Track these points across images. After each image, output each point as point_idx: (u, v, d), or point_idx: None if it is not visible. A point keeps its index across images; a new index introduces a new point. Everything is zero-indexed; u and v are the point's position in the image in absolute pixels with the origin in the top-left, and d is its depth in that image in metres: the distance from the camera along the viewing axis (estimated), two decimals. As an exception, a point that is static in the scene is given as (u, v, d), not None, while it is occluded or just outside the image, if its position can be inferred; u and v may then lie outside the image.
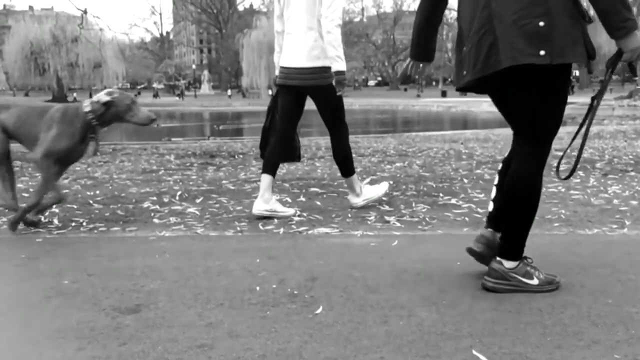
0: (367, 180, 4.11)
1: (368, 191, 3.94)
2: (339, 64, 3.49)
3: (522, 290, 2.22)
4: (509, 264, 2.23)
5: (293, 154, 3.98)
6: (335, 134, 3.86)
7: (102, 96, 3.26)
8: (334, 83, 3.54)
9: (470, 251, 2.42)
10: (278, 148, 3.82)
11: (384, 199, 4.10)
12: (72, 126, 3.25)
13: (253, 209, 3.66)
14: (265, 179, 3.70)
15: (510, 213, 2.25)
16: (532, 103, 2.11)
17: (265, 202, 3.64)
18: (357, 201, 3.89)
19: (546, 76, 2.05)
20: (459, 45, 2.22)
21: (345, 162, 3.86)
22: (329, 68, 3.53)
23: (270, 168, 3.76)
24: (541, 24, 1.98)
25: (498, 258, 2.25)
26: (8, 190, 3.48)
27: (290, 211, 3.72)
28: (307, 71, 3.59)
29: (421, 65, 2.48)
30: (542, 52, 1.98)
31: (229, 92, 57.77)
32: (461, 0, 2.21)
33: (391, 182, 4.88)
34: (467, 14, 2.15)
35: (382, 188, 3.99)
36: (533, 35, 1.99)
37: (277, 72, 3.82)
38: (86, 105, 3.28)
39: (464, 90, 2.29)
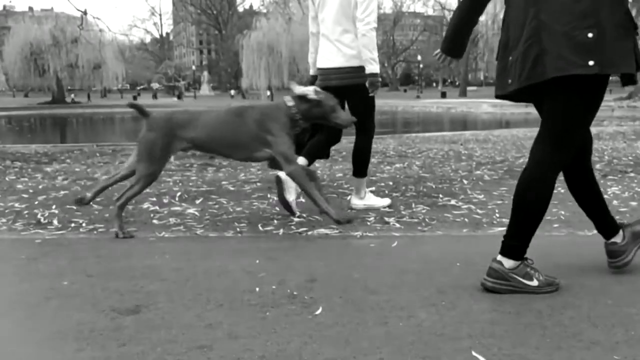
0: (371, 188, 4.11)
1: (371, 198, 3.96)
2: (372, 67, 3.62)
3: (521, 291, 2.22)
4: (509, 264, 2.23)
5: (325, 152, 4.14)
6: (362, 134, 3.93)
7: (306, 90, 3.19)
8: (367, 84, 3.66)
9: (615, 267, 2.46)
10: (318, 141, 3.98)
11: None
12: (283, 121, 3.20)
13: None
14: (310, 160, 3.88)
15: (518, 212, 2.25)
16: (569, 111, 2.17)
17: (360, 198, 3.93)
18: (358, 203, 3.90)
19: (589, 86, 2.11)
20: (503, 54, 2.26)
21: (362, 163, 3.92)
22: (364, 68, 3.65)
23: (319, 154, 4.00)
24: (590, 35, 2.02)
25: (498, 257, 2.26)
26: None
27: (385, 201, 3.94)
28: (345, 70, 3.71)
29: (448, 58, 2.54)
30: (591, 63, 2.02)
31: (232, 92, 57.59)
32: (508, 11, 2.26)
33: (390, 183, 4.88)
34: (514, 24, 2.19)
35: (384, 201, 3.99)
36: (582, 46, 2.03)
37: (311, 72, 3.99)
38: (289, 100, 3.22)
39: (504, 98, 2.34)
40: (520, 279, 2.23)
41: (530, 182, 2.23)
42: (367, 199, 3.93)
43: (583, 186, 2.45)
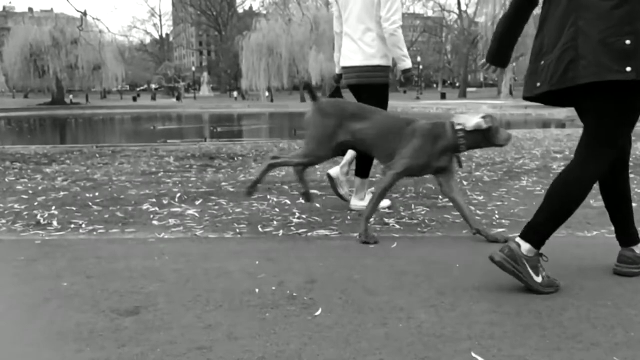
0: (371, 189, 4.11)
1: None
2: (405, 63, 3.73)
3: (522, 279, 2.23)
4: (525, 248, 2.24)
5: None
6: None
7: (480, 122, 3.01)
8: (402, 80, 3.78)
9: (620, 274, 2.46)
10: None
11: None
12: (435, 144, 3.07)
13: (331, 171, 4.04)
14: (357, 180, 4.00)
15: (551, 205, 2.29)
16: (608, 116, 2.21)
17: (342, 174, 4.05)
18: (358, 204, 3.90)
19: (626, 92, 2.14)
20: (535, 59, 2.31)
21: (365, 164, 3.93)
22: (385, 67, 3.74)
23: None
24: (628, 42, 2.06)
25: (517, 239, 2.27)
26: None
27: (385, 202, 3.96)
28: (364, 69, 3.77)
29: (492, 67, 2.62)
30: (628, 69, 2.06)
31: (235, 93, 57.30)
32: (546, 16, 2.31)
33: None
34: (552, 30, 2.24)
35: (384, 203, 3.98)
36: (619, 53, 2.07)
37: (337, 71, 4.07)
38: (457, 125, 3.06)
39: (532, 100, 2.39)
40: (529, 269, 2.23)
41: (571, 180, 2.27)
42: (367, 200, 3.93)
43: (615, 191, 2.49)
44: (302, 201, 4.14)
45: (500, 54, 2.54)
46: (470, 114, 3.10)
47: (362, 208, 3.87)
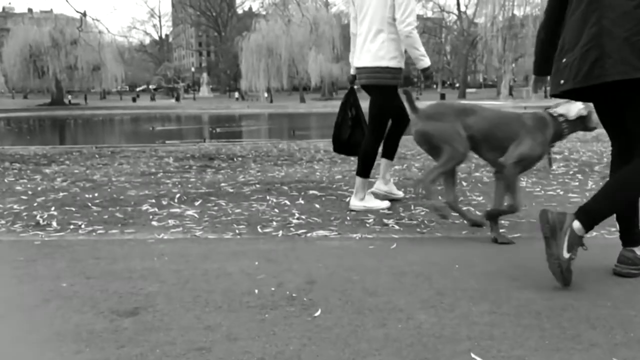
0: (371, 189, 4.12)
1: (371, 200, 3.98)
2: (423, 62, 3.77)
3: (551, 249, 2.24)
4: (577, 226, 2.25)
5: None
6: (371, 135, 3.99)
7: (582, 109, 3.07)
8: (422, 78, 3.89)
9: (619, 274, 2.47)
10: (393, 136, 4.15)
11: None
12: (545, 135, 3.11)
13: (374, 188, 4.15)
14: (387, 162, 4.16)
15: (612, 195, 2.34)
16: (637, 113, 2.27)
17: (384, 182, 4.19)
18: (357, 204, 3.90)
19: None
20: (558, 57, 2.36)
21: (365, 164, 3.95)
22: (393, 69, 3.79)
23: (388, 154, 4.18)
24: None
25: (575, 217, 2.29)
26: (451, 190, 3.39)
27: (385, 204, 4.03)
28: (373, 70, 3.82)
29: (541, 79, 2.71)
30: None
31: (237, 94, 57.07)
32: (569, 16, 2.35)
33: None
34: (572, 29, 2.28)
35: (383, 204, 4.00)
36: None
37: (352, 72, 4.14)
38: (557, 114, 3.12)
39: (558, 97, 2.44)
40: (565, 243, 2.23)
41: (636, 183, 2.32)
42: (367, 201, 3.94)
43: None
44: (302, 202, 4.14)
45: (546, 62, 2.58)
46: (566, 104, 3.14)
47: (362, 209, 3.88)
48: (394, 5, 3.69)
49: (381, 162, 4.17)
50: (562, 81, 2.30)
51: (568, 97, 2.43)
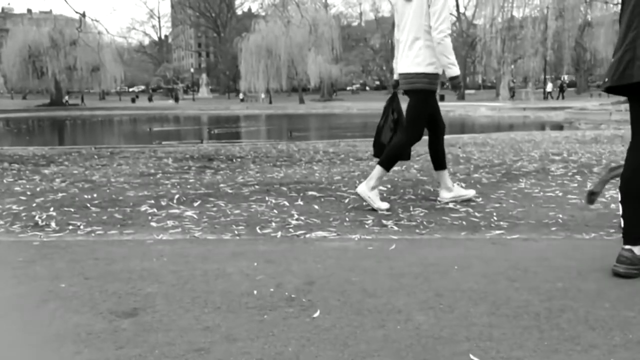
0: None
1: (376, 200, 3.98)
2: (452, 70, 3.86)
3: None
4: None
5: (409, 154, 4.25)
6: (403, 135, 4.07)
7: None
8: (449, 87, 3.93)
9: (618, 274, 2.47)
10: (430, 146, 4.22)
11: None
12: None
13: (440, 198, 4.18)
14: (439, 173, 4.20)
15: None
16: None
17: (449, 191, 4.16)
18: (364, 191, 3.97)
19: None
20: (613, 56, 2.55)
21: (389, 157, 4.04)
22: (430, 75, 3.90)
23: (439, 165, 4.20)
24: None
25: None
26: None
27: (471, 192, 4.24)
28: (410, 76, 3.97)
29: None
30: None
31: (241, 95, 56.53)
32: (620, 19, 2.54)
33: (389, 186, 4.88)
34: (621, 31, 2.50)
35: (383, 205, 3.99)
36: None
37: (395, 77, 4.26)
38: None
39: (607, 92, 2.62)
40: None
41: None
42: (373, 196, 3.96)
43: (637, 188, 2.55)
44: (301, 203, 4.14)
45: None
46: None
47: (367, 198, 3.95)
48: (429, 13, 3.82)
49: (437, 175, 4.23)
50: (606, 79, 2.52)
51: (611, 93, 2.60)
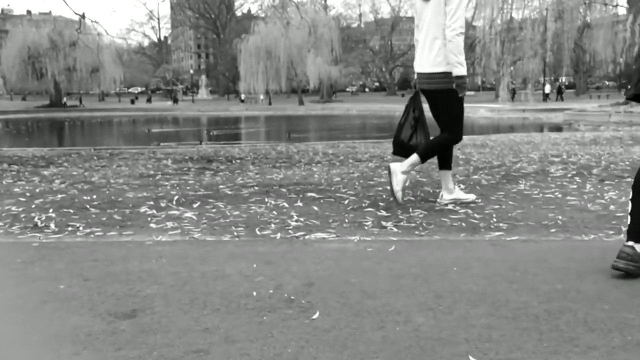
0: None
1: (401, 182, 4.05)
2: (458, 69, 3.87)
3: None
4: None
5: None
6: (446, 134, 4.13)
7: None
8: (454, 87, 3.91)
9: (617, 269, 2.48)
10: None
11: (381, 204, 4.11)
12: None
13: (439, 199, 4.17)
14: (443, 173, 4.19)
15: None
16: None
17: (449, 192, 4.15)
18: (399, 180, 4.02)
19: None
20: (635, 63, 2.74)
21: (426, 150, 4.11)
22: (450, 74, 3.90)
23: (445, 164, 4.21)
24: None
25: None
26: None
27: (471, 196, 4.23)
28: (431, 76, 4.01)
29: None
30: None
31: (243, 96, 56.31)
32: None
33: (388, 187, 4.88)
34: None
35: (400, 194, 4.05)
36: None
37: (416, 76, 4.29)
38: None
39: (632, 99, 2.68)
40: None
41: None
42: (400, 179, 4.02)
43: None
44: (300, 204, 4.14)
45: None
46: None
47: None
48: (446, 12, 3.85)
49: (440, 175, 4.25)
50: (629, 86, 2.62)
51: (634, 100, 2.65)
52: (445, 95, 3.99)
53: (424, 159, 4.10)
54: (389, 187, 4.04)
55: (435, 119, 4.20)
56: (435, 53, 3.95)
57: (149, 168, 6.69)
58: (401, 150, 4.33)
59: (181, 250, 3.02)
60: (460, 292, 2.31)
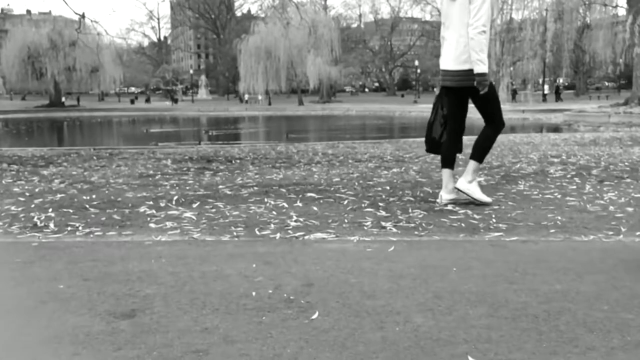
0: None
1: (476, 190, 4.10)
2: (479, 67, 3.90)
3: None
4: None
5: (459, 147, 4.36)
6: (491, 124, 4.23)
7: None
8: (475, 84, 3.96)
9: None
10: (447, 143, 4.28)
11: (381, 204, 4.11)
12: None
13: (439, 200, 4.17)
14: (446, 172, 4.18)
15: None
16: None
17: (449, 192, 4.13)
18: (464, 186, 4.08)
19: None
20: None
21: (483, 148, 4.19)
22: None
23: (448, 163, 4.22)
24: None
25: None
26: None
27: (486, 198, 4.13)
28: (456, 73, 4.06)
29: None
30: None
31: (246, 96, 55.97)
32: None
33: (388, 188, 4.88)
34: None
35: (486, 198, 4.11)
36: None
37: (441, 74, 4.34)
38: None
39: None
40: None
41: None
42: (473, 187, 4.06)
43: None
44: (300, 205, 4.14)
45: None
46: None
47: (465, 190, 4.06)
48: (470, 10, 3.90)
49: (443, 173, 4.23)
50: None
51: None
52: (475, 91, 4.03)
53: (481, 159, 4.15)
54: (475, 203, 4.04)
55: (480, 111, 4.23)
56: (461, 51, 3.98)
57: (149, 168, 6.68)
58: (434, 148, 4.39)
59: (180, 250, 3.02)
60: (460, 292, 2.31)
